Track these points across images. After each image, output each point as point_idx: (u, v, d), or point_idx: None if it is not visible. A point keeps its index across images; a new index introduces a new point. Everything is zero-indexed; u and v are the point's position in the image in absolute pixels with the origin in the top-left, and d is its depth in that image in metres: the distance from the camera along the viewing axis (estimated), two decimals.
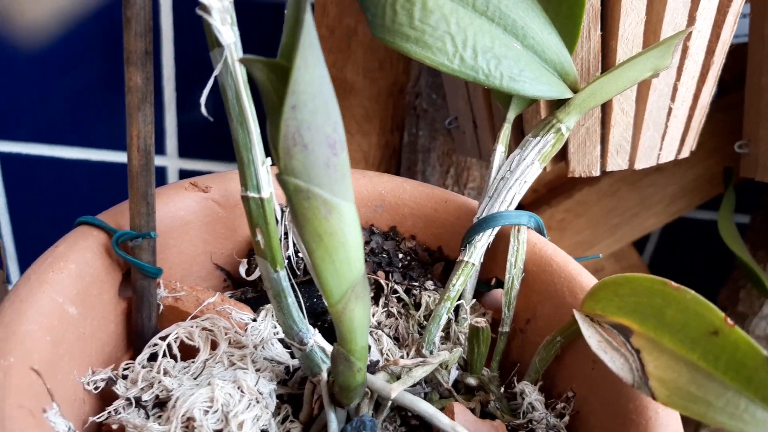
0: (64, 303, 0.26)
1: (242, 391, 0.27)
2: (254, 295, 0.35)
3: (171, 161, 0.71)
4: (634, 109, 0.37)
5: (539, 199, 0.67)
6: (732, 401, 0.21)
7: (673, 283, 0.25)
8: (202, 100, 0.25)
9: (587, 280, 0.32)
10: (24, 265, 0.76)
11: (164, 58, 0.65)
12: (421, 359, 0.29)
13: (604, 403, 0.28)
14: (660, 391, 0.23)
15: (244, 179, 0.27)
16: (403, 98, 0.56)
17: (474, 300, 0.35)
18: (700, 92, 0.39)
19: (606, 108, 0.38)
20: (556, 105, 0.34)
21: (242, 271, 0.34)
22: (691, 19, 0.36)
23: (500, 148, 0.35)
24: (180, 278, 0.34)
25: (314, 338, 0.29)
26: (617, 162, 0.39)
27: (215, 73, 0.26)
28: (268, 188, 0.27)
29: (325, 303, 0.25)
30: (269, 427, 0.28)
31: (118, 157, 0.69)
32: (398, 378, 0.31)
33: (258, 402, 0.27)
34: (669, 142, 0.40)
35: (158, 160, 0.71)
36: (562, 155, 0.39)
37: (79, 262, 0.28)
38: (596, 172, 0.39)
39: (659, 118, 0.38)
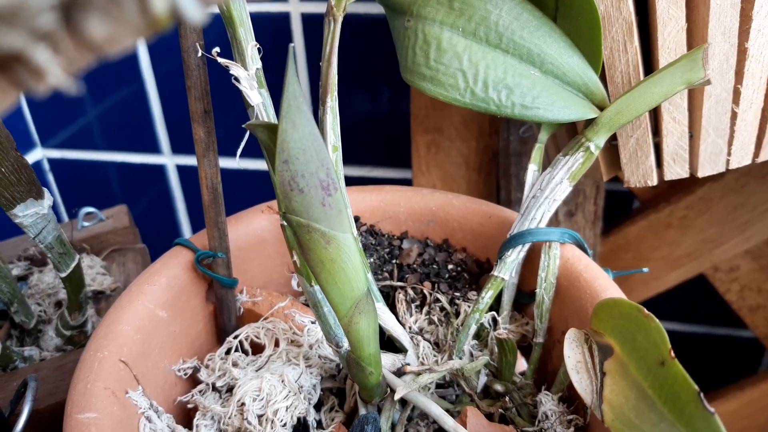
0: (155, 308, 0.34)
1: (284, 384, 0.33)
2: None
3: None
4: (687, 117, 0.36)
5: (659, 195, 0.64)
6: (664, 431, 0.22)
7: (645, 311, 0.26)
8: (238, 152, 0.31)
9: (611, 296, 0.33)
10: None
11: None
12: (428, 367, 0.33)
13: None
14: (607, 415, 0.24)
15: (281, 211, 0.33)
16: None
17: (514, 311, 0.37)
18: None
19: (656, 117, 0.37)
20: (587, 124, 0.35)
21: (293, 284, 0.40)
22: (746, 18, 0.34)
23: (532, 168, 0.36)
24: (262, 285, 0.41)
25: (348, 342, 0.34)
26: (675, 170, 0.38)
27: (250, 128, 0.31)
28: None
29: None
30: (308, 414, 0.33)
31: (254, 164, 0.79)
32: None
33: (296, 394, 0.33)
34: (739, 147, 0.38)
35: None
36: (619, 165, 0.39)
37: (169, 276, 0.36)
38: (652, 182, 0.38)
39: (721, 123, 0.37)
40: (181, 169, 0.81)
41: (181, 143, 0.80)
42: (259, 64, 0.31)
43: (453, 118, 0.60)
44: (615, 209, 0.68)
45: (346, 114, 0.73)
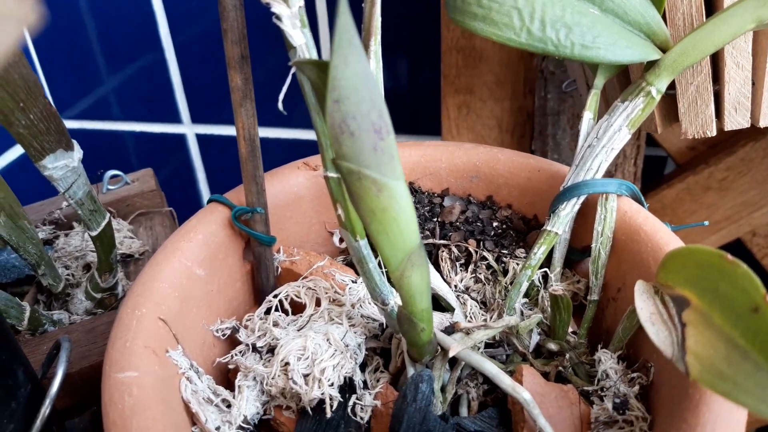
0: (192, 266, 0.33)
1: (329, 342, 0.32)
2: None
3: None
4: (751, 62, 0.34)
5: (697, 157, 0.62)
6: (761, 382, 0.20)
7: (729, 256, 0.24)
8: (280, 97, 0.29)
9: (674, 248, 0.31)
10: None
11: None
12: (483, 324, 0.31)
13: (674, 376, 0.28)
14: (694, 367, 0.22)
15: (324, 161, 0.31)
16: (533, 61, 0.55)
17: (564, 268, 0.36)
18: None
19: (717, 62, 0.35)
20: (648, 67, 0.32)
21: (335, 240, 0.39)
22: None
23: (588, 115, 0.34)
24: (299, 244, 0.40)
25: (395, 299, 0.33)
26: (737, 120, 0.36)
27: (293, 71, 0.30)
28: None
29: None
30: (354, 374, 0.32)
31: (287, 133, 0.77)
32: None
33: (342, 352, 0.31)
34: None
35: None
36: (675, 116, 0.37)
37: (205, 233, 0.34)
38: (712, 133, 0.36)
39: None
40: (202, 139, 0.80)
41: (201, 112, 0.78)
42: (302, 2, 0.29)
43: (485, 78, 0.58)
44: (650, 174, 0.65)
45: None
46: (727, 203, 0.61)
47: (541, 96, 0.54)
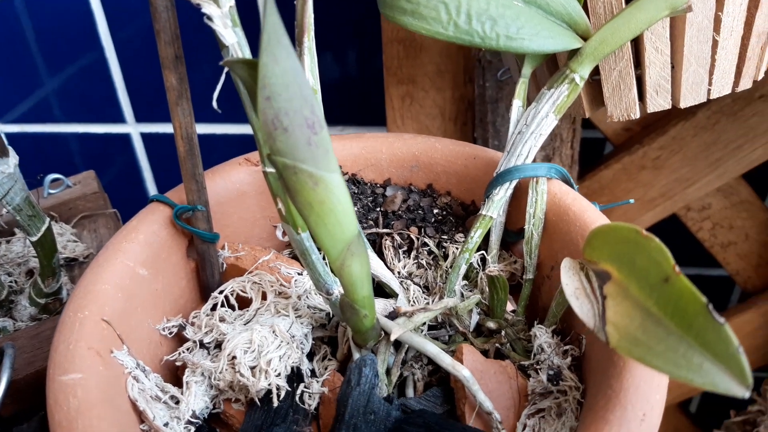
0: (135, 266, 0.33)
1: (275, 334, 0.32)
2: None
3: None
4: (669, 47, 0.36)
5: (632, 137, 0.64)
6: (672, 346, 0.22)
7: (644, 232, 0.25)
8: (215, 95, 0.30)
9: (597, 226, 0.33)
10: None
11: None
12: (422, 307, 0.32)
13: (602, 346, 0.30)
14: (612, 336, 0.24)
15: (262, 157, 0.31)
16: (471, 50, 0.57)
17: (501, 250, 0.37)
18: (754, 18, 0.36)
19: (638, 48, 0.36)
20: (571, 55, 0.34)
21: (278, 234, 0.39)
22: None
23: (517, 103, 0.36)
24: (244, 240, 0.40)
25: (339, 289, 0.33)
26: (658, 102, 0.38)
27: (226, 69, 0.30)
28: None
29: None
30: (301, 363, 0.33)
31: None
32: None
33: (288, 343, 0.32)
34: (720, 76, 0.38)
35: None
36: (602, 100, 0.39)
37: (147, 233, 0.34)
38: (636, 115, 0.38)
39: (702, 52, 0.36)
40: (147, 137, 0.79)
41: (146, 111, 0.77)
42: (233, 2, 0.29)
43: (427, 68, 0.59)
44: (589, 155, 0.68)
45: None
46: (662, 181, 0.64)
47: (480, 84, 0.55)
